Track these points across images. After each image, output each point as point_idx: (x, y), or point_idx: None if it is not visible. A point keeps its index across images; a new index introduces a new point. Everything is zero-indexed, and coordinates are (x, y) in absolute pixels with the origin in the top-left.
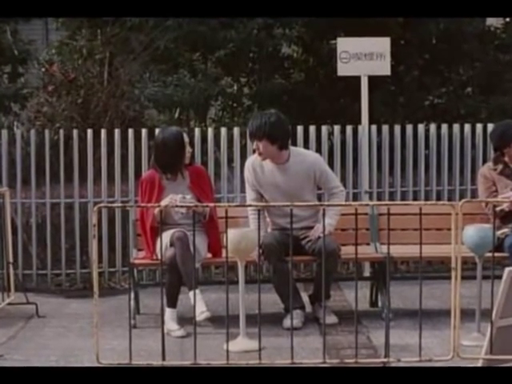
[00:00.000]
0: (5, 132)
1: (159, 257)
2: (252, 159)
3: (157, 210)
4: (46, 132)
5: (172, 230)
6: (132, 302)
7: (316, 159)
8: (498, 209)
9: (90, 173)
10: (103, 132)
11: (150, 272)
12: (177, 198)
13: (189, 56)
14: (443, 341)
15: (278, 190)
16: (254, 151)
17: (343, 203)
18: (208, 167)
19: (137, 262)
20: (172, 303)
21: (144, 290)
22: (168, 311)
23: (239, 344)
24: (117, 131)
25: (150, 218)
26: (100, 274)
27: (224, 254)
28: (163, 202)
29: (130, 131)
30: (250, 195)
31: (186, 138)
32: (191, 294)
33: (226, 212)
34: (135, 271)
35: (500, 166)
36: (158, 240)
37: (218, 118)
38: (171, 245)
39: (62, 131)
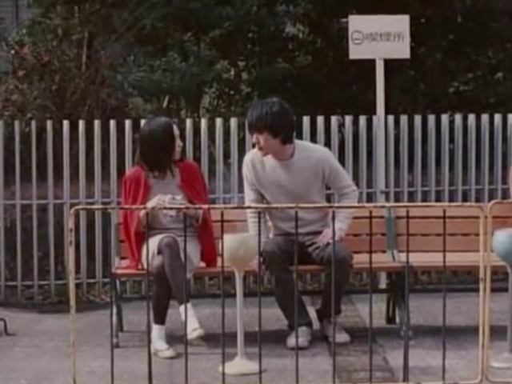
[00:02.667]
0: None
1: (145, 266)
2: (251, 154)
3: (142, 213)
4: (16, 123)
5: (160, 236)
6: (114, 318)
7: (324, 154)
8: None
9: (66, 170)
10: (81, 123)
11: (135, 283)
12: (165, 198)
13: (179, 36)
14: (470, 362)
15: (281, 190)
16: (253, 145)
17: (356, 205)
18: (201, 163)
19: (119, 271)
20: (160, 319)
21: (128, 304)
22: (155, 328)
23: (237, 366)
24: (97, 122)
25: (134, 221)
26: (77, 286)
27: (219, 263)
28: (150, 204)
29: (112, 122)
30: (249, 196)
31: (176, 131)
32: (182, 308)
33: (222, 215)
34: (118, 282)
35: None
36: (144, 247)
37: (212, 108)
38: (159, 252)
39: (34, 122)
